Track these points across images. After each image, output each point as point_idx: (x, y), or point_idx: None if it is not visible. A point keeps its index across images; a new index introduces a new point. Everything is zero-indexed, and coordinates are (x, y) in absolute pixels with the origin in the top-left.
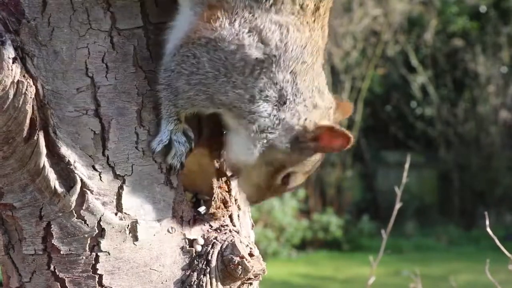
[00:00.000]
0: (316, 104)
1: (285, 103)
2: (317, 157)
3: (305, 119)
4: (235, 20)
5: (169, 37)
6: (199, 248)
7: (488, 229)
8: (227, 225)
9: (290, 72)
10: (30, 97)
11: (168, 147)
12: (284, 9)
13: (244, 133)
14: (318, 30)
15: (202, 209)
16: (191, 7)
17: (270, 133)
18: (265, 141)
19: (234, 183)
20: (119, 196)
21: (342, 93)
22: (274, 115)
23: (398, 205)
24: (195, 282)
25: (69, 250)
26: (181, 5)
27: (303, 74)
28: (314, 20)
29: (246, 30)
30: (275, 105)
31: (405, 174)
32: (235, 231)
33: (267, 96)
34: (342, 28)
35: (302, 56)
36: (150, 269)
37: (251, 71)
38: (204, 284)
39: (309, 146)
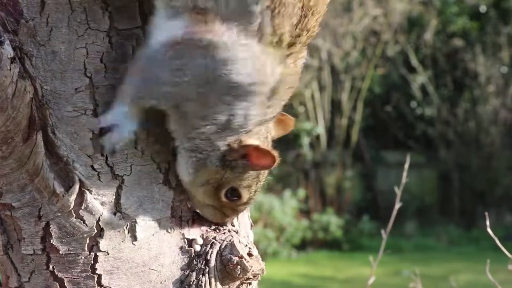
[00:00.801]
0: (248, 128)
1: (227, 129)
2: (254, 173)
3: (231, 139)
4: (232, 28)
5: (160, 28)
6: (198, 248)
7: (489, 229)
8: (226, 225)
9: (250, 103)
10: (29, 97)
11: (109, 129)
12: (265, 37)
13: (182, 151)
14: (288, 65)
15: None
16: (175, 13)
17: (200, 153)
18: (195, 159)
19: None
20: (118, 196)
21: (342, 93)
22: (209, 138)
23: (398, 205)
24: (194, 282)
25: (68, 250)
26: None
27: (257, 106)
28: (287, 55)
29: (242, 43)
30: (218, 129)
31: (405, 174)
32: (234, 231)
33: (217, 119)
34: (342, 28)
35: (269, 89)
36: (149, 269)
37: (227, 92)
38: (203, 284)
39: (238, 164)
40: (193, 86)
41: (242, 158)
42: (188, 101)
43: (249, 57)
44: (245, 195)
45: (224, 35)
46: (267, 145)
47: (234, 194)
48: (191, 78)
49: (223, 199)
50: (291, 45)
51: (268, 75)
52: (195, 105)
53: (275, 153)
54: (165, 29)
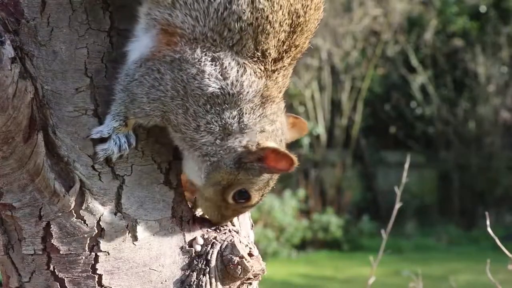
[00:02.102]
0: (264, 129)
1: (229, 134)
2: (267, 176)
3: (248, 141)
4: (196, 47)
5: (134, 47)
6: (198, 248)
7: (489, 229)
8: (226, 225)
9: (238, 110)
10: (30, 97)
11: (104, 140)
12: (245, 52)
13: (191, 156)
14: (275, 80)
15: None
16: (147, 27)
17: (212, 156)
18: (208, 163)
19: None
20: (118, 196)
21: (342, 93)
22: (216, 144)
23: (398, 205)
24: (195, 282)
25: (69, 250)
26: (140, 21)
27: (250, 113)
28: (275, 71)
29: (209, 58)
30: (219, 136)
31: (404, 174)
32: (235, 231)
33: (211, 129)
34: (342, 28)
35: (253, 98)
36: (150, 269)
37: (204, 103)
38: (203, 284)
39: (254, 167)
40: (169, 100)
41: (259, 160)
42: (173, 115)
43: (218, 70)
44: (255, 198)
45: (187, 52)
46: (284, 148)
47: (242, 196)
48: (165, 92)
49: (230, 200)
50: (277, 60)
51: (244, 85)
52: (182, 118)
53: (293, 156)
54: (137, 47)
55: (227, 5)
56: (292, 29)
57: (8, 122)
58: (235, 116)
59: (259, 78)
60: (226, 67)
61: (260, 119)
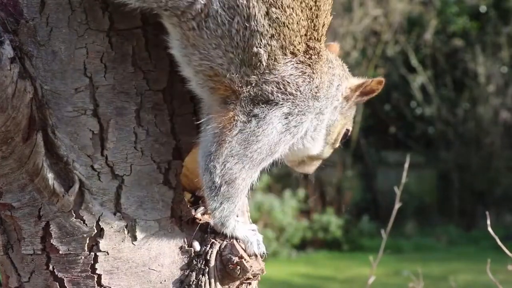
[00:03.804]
0: (340, 77)
1: (321, 110)
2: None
3: (341, 94)
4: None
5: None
6: (197, 248)
7: (489, 229)
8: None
9: (311, 98)
10: (29, 97)
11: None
12: (278, 65)
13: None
14: (319, 56)
15: (200, 210)
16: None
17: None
18: (323, 131)
19: None
20: (117, 196)
21: None
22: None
23: (397, 205)
24: (194, 282)
25: (68, 250)
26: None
27: (321, 89)
28: (311, 56)
29: (250, 103)
30: (316, 119)
31: (404, 174)
32: None
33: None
34: (342, 28)
35: (311, 87)
36: (149, 268)
37: (281, 122)
38: (203, 284)
39: (350, 105)
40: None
41: (353, 98)
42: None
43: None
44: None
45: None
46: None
47: (346, 135)
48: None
49: (339, 143)
50: (306, 50)
51: (300, 85)
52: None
53: (380, 78)
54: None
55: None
56: (310, 22)
57: (7, 122)
58: (316, 106)
59: (304, 70)
60: (275, 90)
61: (332, 77)
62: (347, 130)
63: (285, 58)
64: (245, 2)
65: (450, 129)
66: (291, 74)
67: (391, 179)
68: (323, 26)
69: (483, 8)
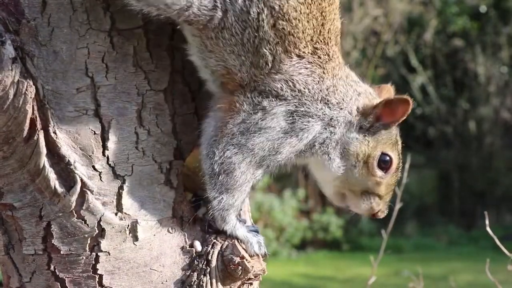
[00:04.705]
0: (359, 92)
1: (331, 120)
2: (393, 132)
3: (357, 108)
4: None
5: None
6: (199, 248)
7: (488, 229)
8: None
9: (321, 100)
10: (30, 97)
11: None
12: (284, 66)
13: (321, 160)
14: (329, 56)
15: (202, 211)
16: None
17: (333, 145)
18: (338, 148)
19: None
20: (119, 196)
21: None
22: (330, 137)
23: (398, 205)
24: (195, 282)
25: (69, 250)
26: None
27: (334, 93)
28: (320, 56)
29: (257, 95)
30: (325, 130)
31: (405, 174)
32: None
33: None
34: (342, 28)
35: (321, 88)
36: (150, 269)
37: (286, 120)
38: (204, 284)
39: (377, 127)
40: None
41: (377, 119)
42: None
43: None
44: (395, 158)
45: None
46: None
47: (385, 160)
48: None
49: (378, 172)
50: (314, 51)
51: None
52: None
53: (405, 96)
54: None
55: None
56: (316, 30)
57: (9, 122)
58: (321, 106)
59: (312, 69)
60: (278, 90)
61: (347, 87)
62: (384, 154)
63: (291, 60)
64: (256, 16)
65: (450, 129)
66: (300, 73)
67: None
68: (328, 32)
69: (483, 8)
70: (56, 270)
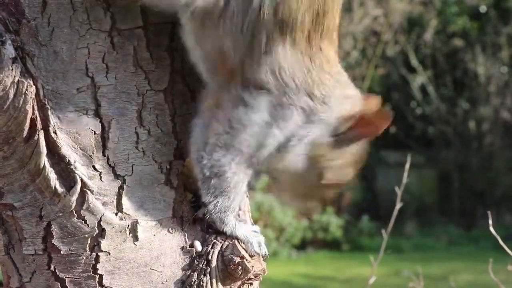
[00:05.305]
0: (347, 95)
1: (315, 114)
2: (354, 149)
3: (339, 110)
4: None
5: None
6: (199, 248)
7: (491, 228)
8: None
9: (305, 93)
10: (30, 97)
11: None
12: (275, 48)
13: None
14: (321, 50)
15: (202, 211)
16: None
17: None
18: (307, 147)
19: None
20: (119, 196)
21: None
22: (306, 122)
23: (398, 205)
24: (196, 282)
25: (70, 250)
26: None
27: (317, 86)
28: (312, 47)
29: (240, 88)
30: (306, 117)
31: (405, 174)
32: None
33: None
34: (342, 28)
35: (306, 78)
36: (151, 269)
37: (269, 113)
38: (204, 284)
39: (348, 137)
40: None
41: (352, 129)
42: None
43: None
44: (338, 175)
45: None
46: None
47: (326, 173)
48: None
49: (321, 179)
50: (308, 38)
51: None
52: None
53: (386, 111)
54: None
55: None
56: (314, 22)
57: (9, 122)
58: (306, 100)
59: (300, 59)
60: (260, 82)
61: (335, 85)
62: (329, 168)
63: (284, 48)
64: (256, 7)
65: (450, 129)
66: (290, 62)
67: (391, 179)
68: (328, 27)
69: (483, 8)
70: (56, 270)
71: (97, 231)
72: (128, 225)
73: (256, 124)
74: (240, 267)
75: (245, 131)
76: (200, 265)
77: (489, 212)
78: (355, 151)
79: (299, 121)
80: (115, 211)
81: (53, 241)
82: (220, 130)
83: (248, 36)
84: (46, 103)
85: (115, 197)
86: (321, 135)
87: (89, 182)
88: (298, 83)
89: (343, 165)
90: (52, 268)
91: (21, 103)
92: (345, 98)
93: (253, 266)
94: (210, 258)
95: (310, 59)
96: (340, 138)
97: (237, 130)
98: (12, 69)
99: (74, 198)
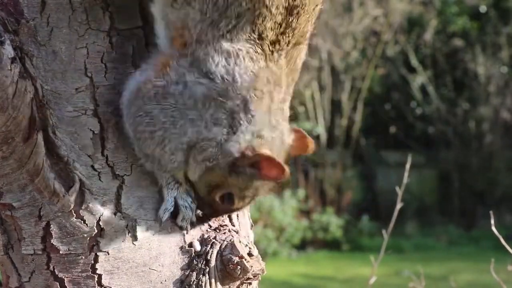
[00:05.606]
0: (262, 135)
1: (236, 129)
2: (258, 183)
3: (246, 146)
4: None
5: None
6: (198, 248)
7: (493, 228)
8: (226, 225)
9: (242, 100)
10: (29, 97)
11: (175, 212)
12: (240, 37)
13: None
14: (277, 63)
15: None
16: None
17: (209, 161)
18: (203, 166)
19: None
20: (118, 195)
21: (342, 93)
22: (221, 143)
23: (399, 205)
24: (194, 282)
25: (68, 250)
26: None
27: (257, 102)
28: (273, 52)
29: (187, 65)
30: (227, 130)
31: (406, 174)
32: (234, 231)
33: (217, 120)
34: (342, 28)
35: (254, 84)
36: (149, 268)
37: (202, 104)
38: (203, 284)
39: (245, 172)
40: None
41: (251, 167)
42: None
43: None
44: (239, 204)
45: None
46: (278, 158)
47: (230, 199)
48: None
49: (217, 200)
50: (274, 42)
51: (238, 72)
52: (190, 129)
53: (286, 167)
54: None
55: None
56: (288, 11)
57: (8, 122)
58: (239, 105)
59: (255, 62)
60: (209, 66)
61: (267, 113)
62: (230, 194)
63: (250, 37)
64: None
65: (450, 129)
66: (247, 53)
67: (391, 179)
68: (298, 30)
69: (483, 8)
70: (55, 270)
71: (96, 231)
72: (127, 225)
73: (187, 109)
74: (239, 267)
75: (175, 110)
76: (199, 265)
77: (491, 212)
78: (253, 186)
79: (218, 131)
80: (114, 210)
81: (52, 241)
82: (151, 94)
83: (221, 9)
84: (45, 103)
85: (114, 196)
86: (217, 165)
87: (88, 182)
88: (243, 81)
89: (234, 194)
90: (51, 268)
91: (20, 103)
92: (258, 137)
93: (252, 266)
94: (209, 258)
95: (266, 63)
96: (237, 171)
97: (167, 104)
98: (11, 69)
99: (73, 198)
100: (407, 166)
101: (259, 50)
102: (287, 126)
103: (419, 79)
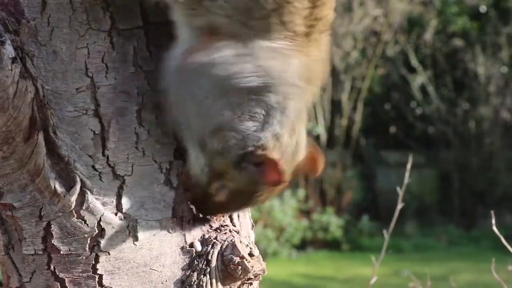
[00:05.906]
0: (280, 138)
1: (267, 126)
2: (253, 187)
3: (261, 144)
4: (227, 46)
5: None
6: (199, 248)
7: (494, 228)
8: (227, 225)
9: (283, 98)
10: (30, 97)
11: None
12: (276, 35)
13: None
14: (310, 55)
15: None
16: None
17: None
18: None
19: None
20: (119, 196)
21: (342, 93)
22: (246, 136)
23: (399, 205)
24: (195, 282)
25: (69, 250)
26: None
27: (291, 102)
28: (305, 44)
29: (234, 53)
30: (258, 126)
31: (407, 174)
32: (235, 231)
33: (254, 114)
34: (342, 28)
35: (293, 81)
36: (150, 269)
37: (247, 95)
38: (204, 284)
39: (248, 169)
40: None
41: (256, 165)
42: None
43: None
44: (230, 198)
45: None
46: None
47: (222, 192)
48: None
49: (213, 192)
50: (307, 35)
51: (276, 71)
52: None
53: (287, 177)
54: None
55: None
56: (313, 4)
57: (8, 122)
58: (280, 102)
59: (295, 58)
60: (259, 60)
61: (289, 119)
62: (224, 187)
63: (281, 34)
64: None
65: (450, 129)
66: (282, 51)
67: (391, 179)
68: (322, 19)
69: (483, 8)
70: (56, 270)
71: (96, 231)
72: (128, 225)
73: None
74: (240, 267)
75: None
76: (200, 265)
77: (492, 212)
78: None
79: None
80: (115, 211)
81: (52, 241)
82: (196, 65)
83: (244, 18)
84: (46, 103)
85: (115, 197)
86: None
87: (89, 182)
88: (285, 82)
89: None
90: (52, 268)
91: (20, 103)
92: (275, 139)
93: (253, 266)
94: (210, 258)
95: (305, 66)
96: (242, 166)
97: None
98: (11, 69)
99: (73, 198)
100: (408, 166)
101: (293, 46)
102: (305, 138)
103: (419, 79)
